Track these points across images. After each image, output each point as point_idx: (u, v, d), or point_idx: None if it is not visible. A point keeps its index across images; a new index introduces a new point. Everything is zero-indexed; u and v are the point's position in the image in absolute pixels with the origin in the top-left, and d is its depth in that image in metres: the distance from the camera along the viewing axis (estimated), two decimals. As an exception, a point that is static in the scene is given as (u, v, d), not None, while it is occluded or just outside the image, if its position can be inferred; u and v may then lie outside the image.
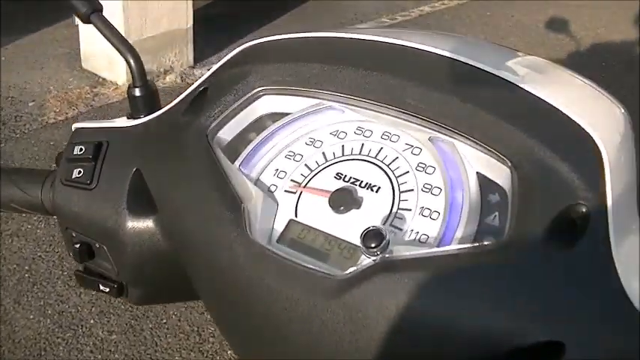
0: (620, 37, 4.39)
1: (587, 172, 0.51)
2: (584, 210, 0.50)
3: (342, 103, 0.62)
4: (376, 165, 0.59)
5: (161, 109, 0.70)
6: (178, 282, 0.64)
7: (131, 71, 0.70)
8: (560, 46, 4.13)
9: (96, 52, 3.51)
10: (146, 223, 0.64)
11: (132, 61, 0.69)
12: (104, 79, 3.59)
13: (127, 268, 0.67)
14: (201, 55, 3.81)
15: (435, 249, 0.53)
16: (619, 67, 3.89)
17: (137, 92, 0.71)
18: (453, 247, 0.52)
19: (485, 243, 0.51)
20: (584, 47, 4.20)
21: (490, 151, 0.55)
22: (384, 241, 0.51)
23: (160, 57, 3.56)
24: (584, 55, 4.13)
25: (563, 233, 0.49)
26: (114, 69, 3.50)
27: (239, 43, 0.68)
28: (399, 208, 0.56)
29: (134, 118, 0.71)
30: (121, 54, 0.70)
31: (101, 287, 0.70)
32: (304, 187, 0.60)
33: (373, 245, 0.51)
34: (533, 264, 0.48)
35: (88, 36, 3.51)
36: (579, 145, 0.53)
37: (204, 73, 0.71)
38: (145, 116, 0.70)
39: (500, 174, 0.55)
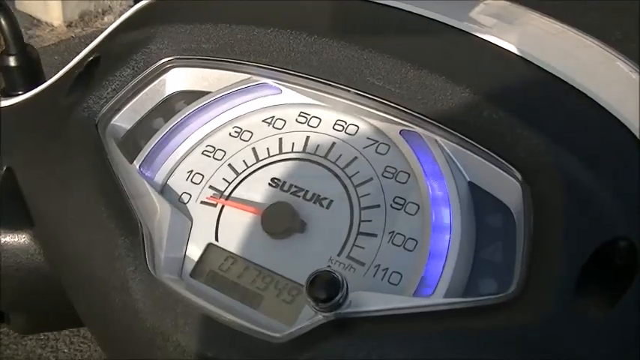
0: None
1: (632, 193, 0.35)
2: (629, 249, 0.34)
3: (278, 79, 0.47)
4: (327, 168, 0.44)
5: (43, 82, 0.57)
6: (69, 309, 0.50)
7: (2, 34, 0.56)
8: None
9: (29, -8, 3.34)
10: (22, 239, 0.51)
11: (2, 20, 0.55)
12: (39, 20, 3.41)
13: (3, 293, 0.53)
14: (143, -6, 3.64)
15: (413, 300, 0.37)
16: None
17: (12, 61, 0.59)
18: (438, 299, 0.37)
19: (485, 297, 0.36)
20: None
21: (490, 155, 0.39)
22: (340, 294, 0.35)
23: (97, -4, 3.37)
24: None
25: (599, 283, 0.34)
26: (49, 10, 3.33)
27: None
28: (359, 233, 0.41)
29: (9, 96, 0.58)
30: None
31: None
32: (228, 198, 0.45)
33: (323, 299, 0.35)
34: (554, 331, 0.33)
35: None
36: (619, 152, 0.37)
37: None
38: (22, 93, 0.58)
39: (505, 189, 0.39)
